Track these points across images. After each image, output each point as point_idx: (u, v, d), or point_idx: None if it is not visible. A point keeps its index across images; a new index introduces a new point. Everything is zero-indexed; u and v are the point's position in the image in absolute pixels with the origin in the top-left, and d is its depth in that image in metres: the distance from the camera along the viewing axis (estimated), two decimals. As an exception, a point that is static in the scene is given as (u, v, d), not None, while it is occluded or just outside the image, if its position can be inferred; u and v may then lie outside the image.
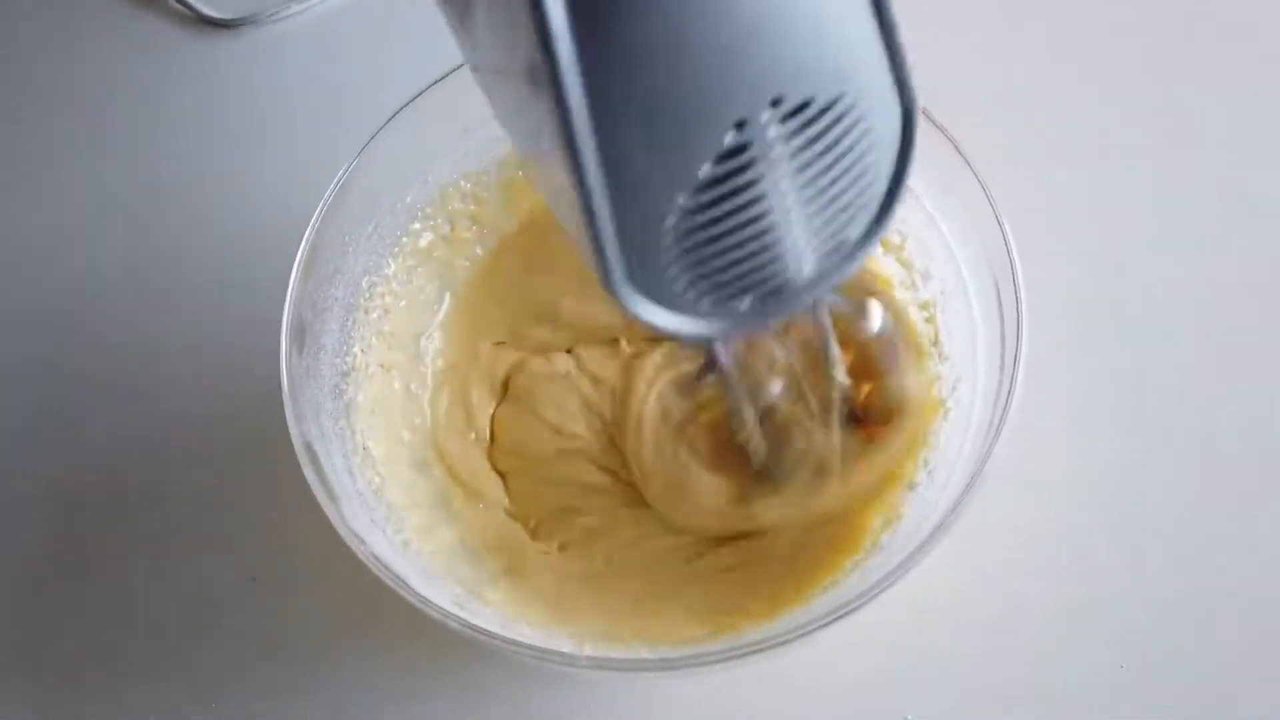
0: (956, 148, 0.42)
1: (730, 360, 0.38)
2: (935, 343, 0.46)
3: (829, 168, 0.26)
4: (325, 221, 0.44)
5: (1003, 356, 0.40)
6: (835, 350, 0.41)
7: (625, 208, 0.25)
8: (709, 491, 0.45)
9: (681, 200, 0.25)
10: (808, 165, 0.25)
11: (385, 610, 0.40)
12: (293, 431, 0.40)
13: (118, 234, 0.58)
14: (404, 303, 0.49)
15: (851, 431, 0.43)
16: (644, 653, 0.41)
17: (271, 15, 0.63)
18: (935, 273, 0.46)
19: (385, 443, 0.46)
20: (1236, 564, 0.46)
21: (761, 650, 0.36)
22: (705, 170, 0.24)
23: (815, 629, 0.36)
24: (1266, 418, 0.49)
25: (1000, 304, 0.41)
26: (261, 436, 0.43)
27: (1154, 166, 0.55)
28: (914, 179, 0.41)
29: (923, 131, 0.39)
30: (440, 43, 0.30)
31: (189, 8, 0.64)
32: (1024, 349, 0.39)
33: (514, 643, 0.37)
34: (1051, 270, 0.47)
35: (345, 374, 0.46)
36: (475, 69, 0.29)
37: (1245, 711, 0.43)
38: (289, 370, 0.41)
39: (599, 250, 0.26)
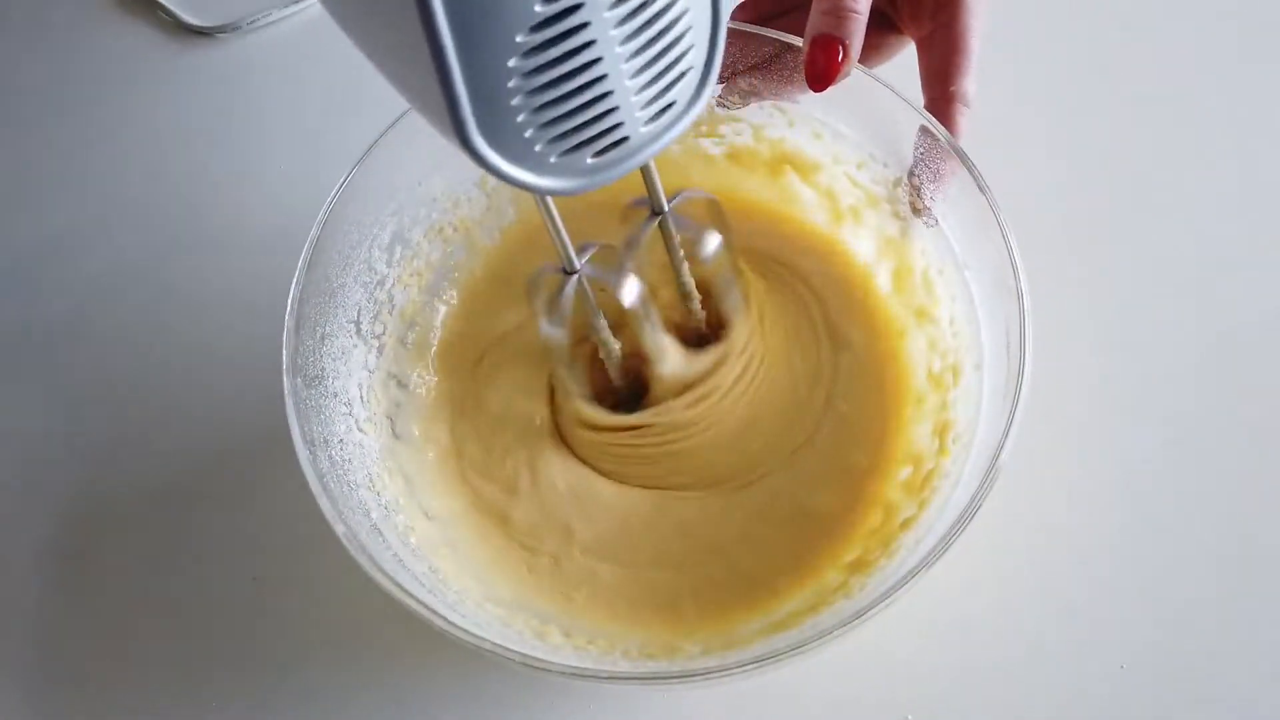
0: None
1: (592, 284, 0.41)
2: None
3: (649, 23, 0.28)
4: (328, 227, 0.45)
5: (1008, 365, 0.41)
6: (688, 276, 0.44)
7: (471, 52, 0.27)
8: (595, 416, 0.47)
9: (519, 39, 0.27)
10: (630, 17, 0.28)
11: (388, 612, 0.40)
12: (294, 432, 0.40)
13: (107, 238, 0.60)
14: (412, 294, 0.51)
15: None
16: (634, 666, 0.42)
17: (252, 23, 0.67)
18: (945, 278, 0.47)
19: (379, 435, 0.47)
20: (1237, 564, 0.46)
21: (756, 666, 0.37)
22: (538, 8, 0.26)
23: (809, 647, 0.36)
24: (1274, 421, 0.49)
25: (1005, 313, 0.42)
26: (265, 437, 0.44)
27: (1164, 164, 0.56)
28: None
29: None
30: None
31: (172, 16, 0.67)
32: (1029, 360, 0.40)
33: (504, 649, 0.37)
34: (1062, 269, 0.49)
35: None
36: None
37: (1246, 712, 0.43)
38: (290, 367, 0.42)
39: (452, 101, 0.27)
